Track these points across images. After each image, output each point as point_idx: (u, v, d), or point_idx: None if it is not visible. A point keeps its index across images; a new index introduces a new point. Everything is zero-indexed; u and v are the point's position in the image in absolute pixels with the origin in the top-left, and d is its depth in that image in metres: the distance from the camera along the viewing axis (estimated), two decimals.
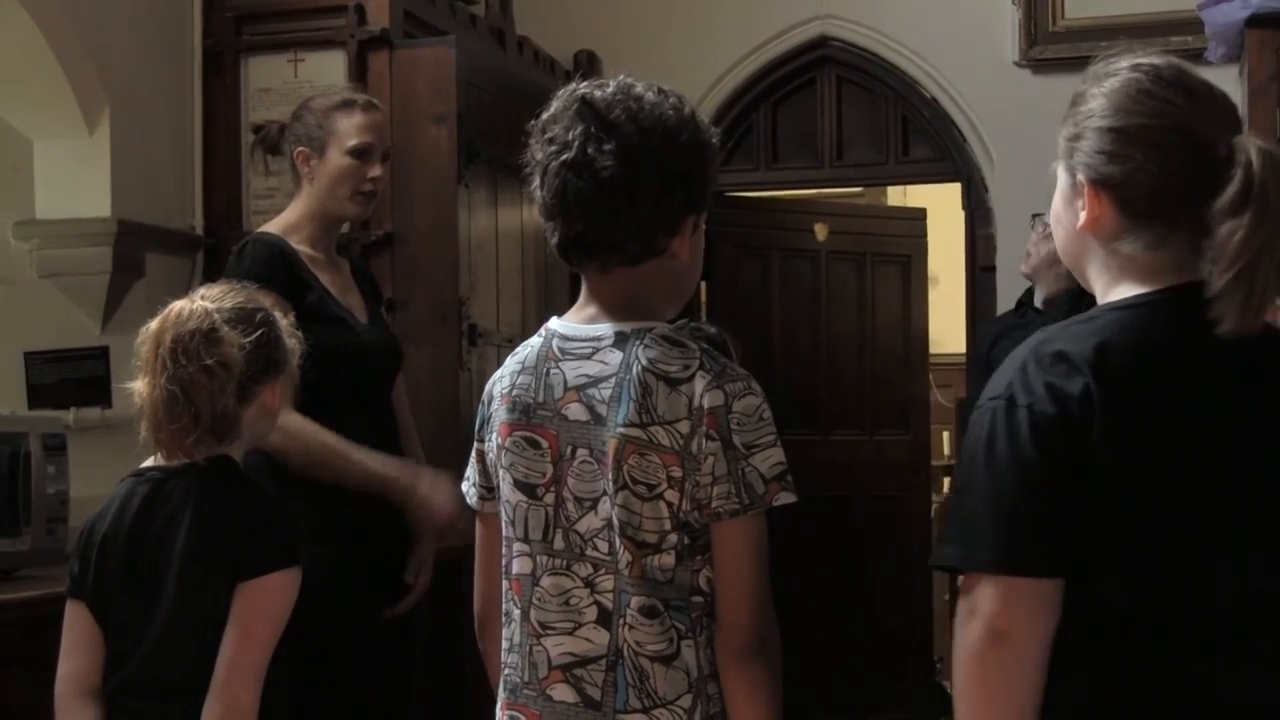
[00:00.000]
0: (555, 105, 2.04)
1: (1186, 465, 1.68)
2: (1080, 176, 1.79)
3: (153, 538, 2.45)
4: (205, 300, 2.49)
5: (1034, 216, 4.63)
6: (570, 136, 1.98)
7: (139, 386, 2.47)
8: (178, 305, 2.48)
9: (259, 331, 2.49)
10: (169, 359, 2.42)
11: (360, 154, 3.36)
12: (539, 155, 2.02)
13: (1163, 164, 1.73)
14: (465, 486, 2.21)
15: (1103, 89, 1.79)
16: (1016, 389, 1.69)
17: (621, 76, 2.06)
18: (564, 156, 1.97)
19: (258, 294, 2.60)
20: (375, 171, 3.39)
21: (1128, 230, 1.76)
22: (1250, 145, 1.71)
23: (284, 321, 2.59)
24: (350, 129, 3.36)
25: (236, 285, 2.59)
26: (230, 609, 2.40)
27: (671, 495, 1.96)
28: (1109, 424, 1.65)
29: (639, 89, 2.02)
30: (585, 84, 2.05)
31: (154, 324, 2.47)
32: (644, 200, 1.99)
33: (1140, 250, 1.76)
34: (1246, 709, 1.68)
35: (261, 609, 2.42)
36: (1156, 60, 1.80)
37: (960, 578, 1.74)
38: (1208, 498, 1.68)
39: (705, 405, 1.95)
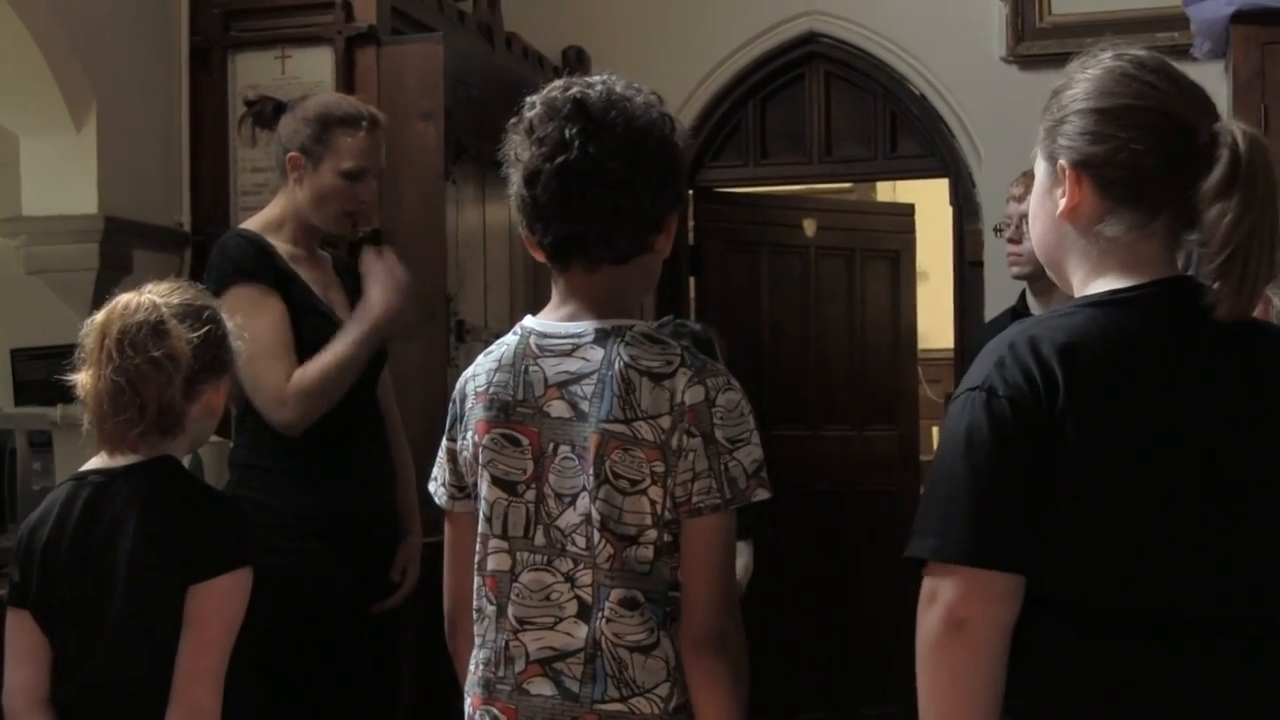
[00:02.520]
0: (539, 106, 2.03)
1: (1153, 462, 1.67)
2: (1062, 160, 1.79)
3: (97, 543, 2.43)
4: (153, 294, 2.47)
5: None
6: (566, 136, 1.98)
7: (82, 379, 2.45)
8: (125, 297, 2.47)
9: (206, 328, 2.48)
10: (115, 350, 2.41)
11: (354, 176, 3.28)
12: (524, 155, 2.02)
13: (1145, 144, 1.74)
14: (433, 487, 2.20)
15: (1085, 76, 1.81)
16: (995, 381, 1.68)
17: (605, 75, 2.06)
18: (562, 157, 1.98)
19: (205, 294, 2.58)
20: (366, 193, 3.32)
21: (1108, 213, 1.76)
22: (1234, 128, 1.73)
23: (230, 323, 2.56)
24: (348, 151, 3.27)
25: (184, 283, 2.58)
26: (182, 613, 2.39)
27: (655, 492, 1.97)
28: (1080, 419, 1.65)
29: (621, 88, 2.04)
30: (567, 84, 2.05)
31: (100, 316, 2.46)
32: (644, 199, 2.01)
33: (1122, 233, 1.76)
34: (1221, 695, 1.68)
35: (215, 612, 2.41)
36: (1139, 51, 1.82)
37: (926, 565, 1.73)
38: (1174, 496, 1.67)
39: (687, 401, 1.96)
